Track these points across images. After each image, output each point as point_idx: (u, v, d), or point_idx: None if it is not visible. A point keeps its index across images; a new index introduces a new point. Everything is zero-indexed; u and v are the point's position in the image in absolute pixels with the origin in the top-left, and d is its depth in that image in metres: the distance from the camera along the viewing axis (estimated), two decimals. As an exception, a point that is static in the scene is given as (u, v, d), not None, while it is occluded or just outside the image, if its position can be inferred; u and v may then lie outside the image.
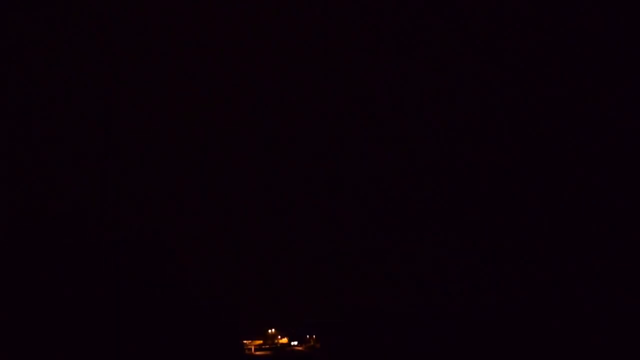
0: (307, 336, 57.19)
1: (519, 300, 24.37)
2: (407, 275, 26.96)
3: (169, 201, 23.51)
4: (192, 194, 24.33)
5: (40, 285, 16.58)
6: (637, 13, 19.68)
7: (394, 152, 24.08)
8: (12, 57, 19.26)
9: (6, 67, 19.13)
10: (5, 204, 18.36)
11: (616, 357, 19.74)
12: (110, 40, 21.10)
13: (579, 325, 21.80)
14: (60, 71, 20.41)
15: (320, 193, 25.43)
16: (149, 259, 21.71)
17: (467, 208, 23.88)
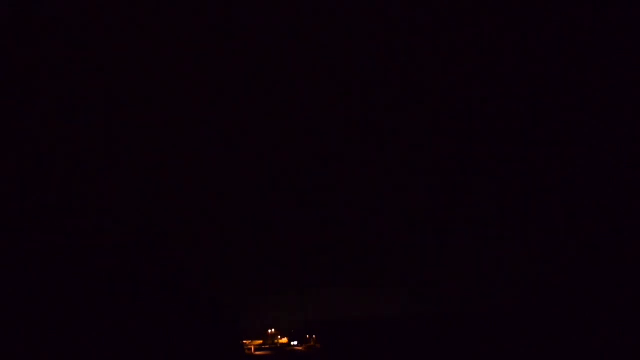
0: (307, 336, 57.23)
1: (517, 303, 24.37)
2: (406, 277, 26.95)
3: (170, 203, 23.49)
4: (193, 195, 24.32)
5: (41, 285, 16.58)
6: (637, 13, 19.70)
7: (394, 155, 24.08)
8: (12, 57, 19.26)
9: (6, 67, 19.13)
10: (6, 204, 18.35)
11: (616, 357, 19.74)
12: (112, 40, 21.09)
13: (580, 325, 21.81)
14: (62, 71, 20.40)
15: (321, 194, 25.43)
16: (150, 260, 21.70)
17: (466, 209, 23.88)
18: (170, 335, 21.02)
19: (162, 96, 23.19)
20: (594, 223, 21.54)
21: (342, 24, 23.37)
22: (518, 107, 22.31)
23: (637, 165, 20.41)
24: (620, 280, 20.97)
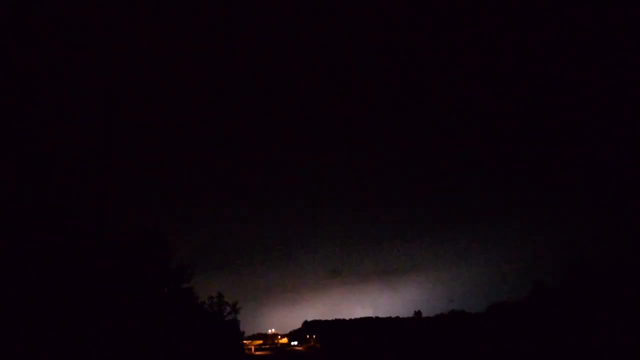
0: (307, 336, 57.29)
1: (517, 303, 24.36)
2: (405, 278, 27.01)
3: (170, 202, 23.54)
4: (193, 195, 24.36)
5: (41, 285, 16.55)
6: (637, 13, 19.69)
7: (394, 155, 24.11)
8: (12, 57, 19.26)
9: (7, 67, 19.14)
10: (6, 204, 18.35)
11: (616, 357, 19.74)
12: (112, 40, 21.13)
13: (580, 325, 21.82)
14: (62, 71, 20.41)
15: (321, 194, 25.48)
16: (150, 260, 21.70)
17: (467, 210, 23.93)
18: (170, 335, 21.00)
19: (162, 96, 23.24)
20: (594, 223, 21.57)
21: (342, 24, 23.39)
22: (518, 107, 22.31)
23: (637, 165, 20.43)
24: (620, 280, 20.97)
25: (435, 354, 27.58)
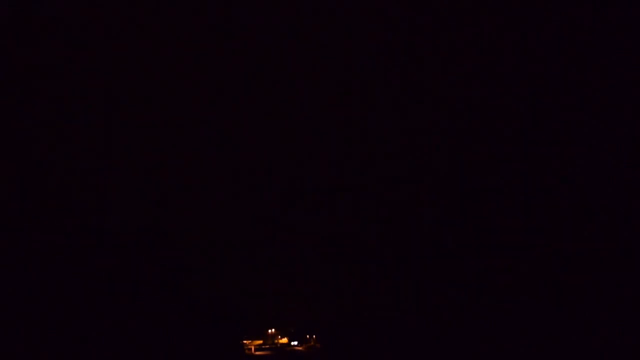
0: (307, 336, 57.16)
1: (517, 303, 24.37)
2: (407, 277, 26.98)
3: (170, 201, 23.50)
4: (193, 195, 24.33)
5: (41, 285, 16.56)
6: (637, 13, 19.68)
7: (394, 153, 24.08)
8: (12, 57, 19.26)
9: (7, 67, 19.14)
10: (6, 204, 18.35)
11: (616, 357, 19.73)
12: (112, 40, 21.11)
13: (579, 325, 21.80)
14: (62, 70, 20.41)
15: (321, 193, 25.45)
16: (149, 259, 21.70)
17: (466, 209, 23.89)
18: (170, 335, 21.01)
19: (162, 96, 23.21)
20: (594, 223, 21.54)
21: (342, 24, 23.39)
22: (518, 107, 22.30)
23: (638, 165, 20.41)
24: (620, 280, 20.97)
25: (436, 354, 27.57)
